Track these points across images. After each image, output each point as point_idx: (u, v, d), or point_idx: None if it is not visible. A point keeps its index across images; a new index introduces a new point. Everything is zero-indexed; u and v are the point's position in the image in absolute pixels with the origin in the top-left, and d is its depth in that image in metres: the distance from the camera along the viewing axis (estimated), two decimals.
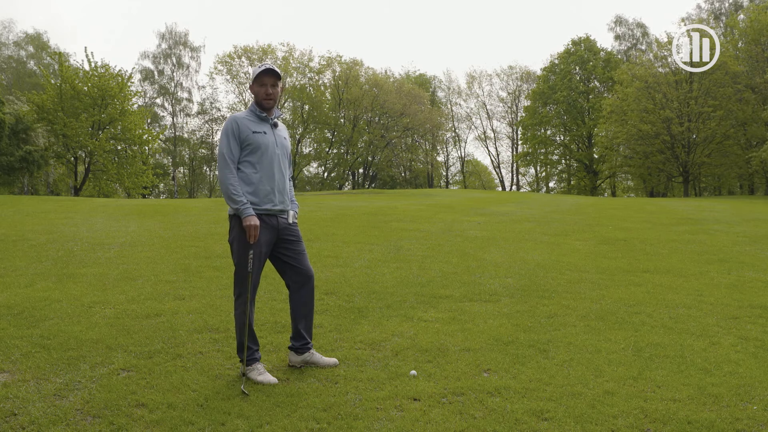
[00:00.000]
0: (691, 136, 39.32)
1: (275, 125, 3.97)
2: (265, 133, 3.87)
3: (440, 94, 65.31)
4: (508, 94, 60.65)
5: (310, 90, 54.46)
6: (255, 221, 3.72)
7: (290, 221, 3.98)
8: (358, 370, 3.91)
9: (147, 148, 37.22)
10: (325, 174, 58.32)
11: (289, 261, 3.97)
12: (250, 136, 3.80)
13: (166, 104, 55.82)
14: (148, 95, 54.03)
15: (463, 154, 65.34)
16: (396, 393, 3.54)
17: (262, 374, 3.74)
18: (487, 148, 64.27)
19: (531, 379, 3.78)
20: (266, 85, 3.87)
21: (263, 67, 3.85)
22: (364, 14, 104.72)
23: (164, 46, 54.44)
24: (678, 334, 4.82)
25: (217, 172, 3.67)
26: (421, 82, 63.28)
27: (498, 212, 15.27)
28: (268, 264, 4.08)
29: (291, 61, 54.14)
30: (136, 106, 39.16)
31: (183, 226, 11.12)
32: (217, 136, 58.55)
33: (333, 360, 4.02)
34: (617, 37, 54.98)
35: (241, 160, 3.82)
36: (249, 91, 3.97)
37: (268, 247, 3.88)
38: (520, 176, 62.55)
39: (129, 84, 35.01)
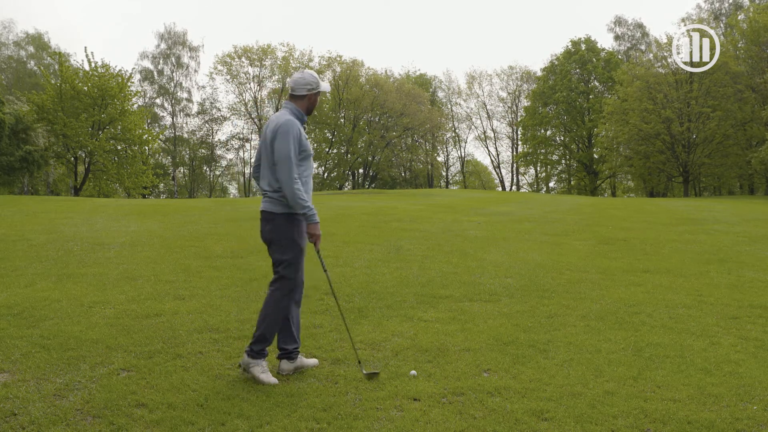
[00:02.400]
0: (691, 136, 39.31)
1: None
2: (308, 139, 3.95)
3: (440, 94, 65.30)
4: (508, 94, 60.64)
5: None
6: (319, 228, 3.83)
7: None
8: (358, 370, 3.91)
9: (147, 148, 37.22)
10: (325, 174, 58.28)
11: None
12: (305, 143, 3.87)
13: (165, 104, 55.77)
14: (147, 95, 53.96)
15: (463, 154, 65.38)
16: (396, 393, 3.54)
17: (265, 372, 3.74)
18: (487, 148, 64.27)
19: (531, 379, 3.78)
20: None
21: (329, 87, 4.01)
22: (364, 14, 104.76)
23: (163, 46, 54.40)
24: (678, 334, 4.82)
25: (280, 175, 3.70)
26: (422, 82, 63.27)
27: (498, 212, 15.26)
28: (267, 265, 4.11)
29: (291, 61, 54.11)
30: (136, 106, 39.18)
31: (183, 226, 11.12)
32: (217, 137, 58.64)
33: (314, 360, 4.05)
34: (617, 38, 55.02)
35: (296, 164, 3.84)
36: (296, 95, 3.94)
37: None
38: (520, 176, 62.58)
39: (129, 84, 35.00)
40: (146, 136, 36.30)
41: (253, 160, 56.89)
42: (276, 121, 3.83)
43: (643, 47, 52.29)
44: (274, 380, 3.71)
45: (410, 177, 61.19)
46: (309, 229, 3.77)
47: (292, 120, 3.80)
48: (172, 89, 55.09)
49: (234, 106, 56.13)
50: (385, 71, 59.34)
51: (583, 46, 53.13)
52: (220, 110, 57.30)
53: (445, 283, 6.57)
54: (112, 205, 16.43)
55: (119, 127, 34.68)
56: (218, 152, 58.36)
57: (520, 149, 59.61)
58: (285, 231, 3.78)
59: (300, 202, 3.69)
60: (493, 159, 62.38)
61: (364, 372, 3.80)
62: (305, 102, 3.94)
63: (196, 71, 59.06)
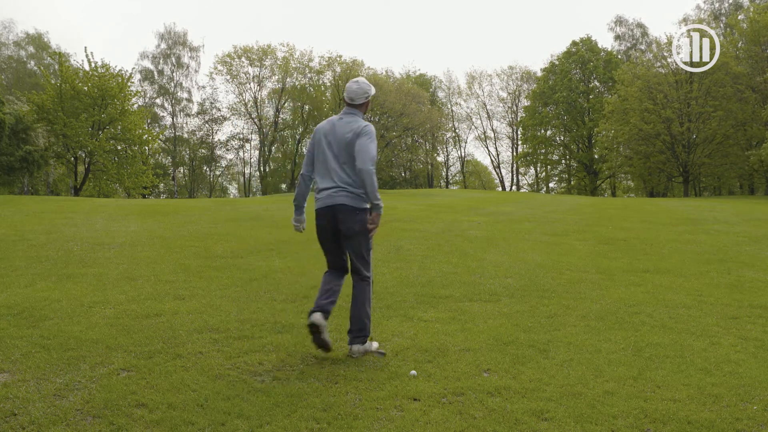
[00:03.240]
0: (692, 136, 39.31)
1: None
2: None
3: (440, 94, 65.20)
4: (508, 94, 60.57)
5: (310, 90, 54.41)
6: None
7: None
8: (358, 370, 3.91)
9: (147, 148, 37.21)
10: None
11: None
12: None
13: (165, 104, 55.70)
14: (147, 95, 53.89)
15: (463, 154, 65.27)
16: (396, 393, 3.54)
17: (374, 342, 4.37)
18: (487, 148, 64.24)
19: (531, 379, 3.78)
20: None
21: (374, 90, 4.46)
22: (364, 14, 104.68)
23: (163, 46, 54.36)
24: (678, 334, 4.82)
25: (364, 173, 4.12)
26: (422, 82, 63.19)
27: (498, 212, 15.26)
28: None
29: (291, 62, 54.06)
30: (136, 106, 39.16)
31: (183, 226, 11.12)
32: (217, 137, 58.59)
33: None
34: (617, 38, 55.00)
35: None
36: (356, 104, 4.37)
37: None
38: (520, 176, 62.53)
39: (129, 84, 35.00)
40: (146, 136, 36.28)
41: (254, 162, 57.26)
42: (355, 123, 4.22)
43: (643, 47, 52.27)
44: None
45: (410, 177, 61.14)
46: (373, 218, 4.23)
47: (372, 126, 4.24)
48: (172, 89, 55.06)
49: (234, 106, 56.09)
50: (385, 71, 59.18)
51: (584, 47, 53.12)
52: (220, 110, 57.27)
53: (445, 283, 6.57)
54: (112, 205, 16.43)
55: (119, 127, 34.66)
56: (218, 152, 58.35)
57: (520, 149, 59.58)
58: (366, 225, 4.27)
59: (377, 194, 4.20)
60: (493, 159, 62.38)
61: (374, 349, 4.25)
62: (363, 108, 4.34)
63: (196, 71, 59.11)
